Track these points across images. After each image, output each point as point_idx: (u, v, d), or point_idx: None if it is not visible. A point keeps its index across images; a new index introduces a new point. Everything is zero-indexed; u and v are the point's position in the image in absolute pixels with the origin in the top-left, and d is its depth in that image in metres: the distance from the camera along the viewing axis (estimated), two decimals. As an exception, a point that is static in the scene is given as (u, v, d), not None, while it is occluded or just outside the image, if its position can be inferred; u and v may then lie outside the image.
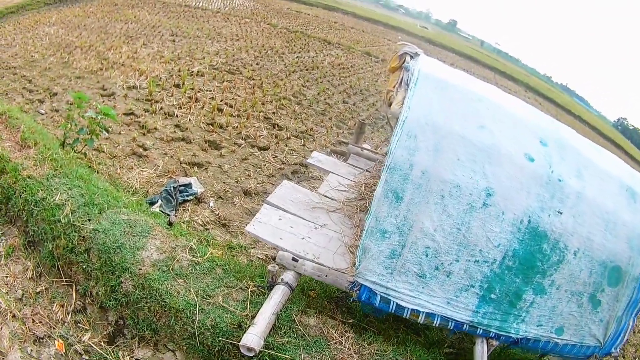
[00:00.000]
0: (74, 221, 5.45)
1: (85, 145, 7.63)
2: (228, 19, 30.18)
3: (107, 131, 8.74)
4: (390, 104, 5.42)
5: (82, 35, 18.49)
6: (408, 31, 60.04)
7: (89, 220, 5.48)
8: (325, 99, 16.40)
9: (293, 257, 4.91)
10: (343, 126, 14.02)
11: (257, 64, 19.14)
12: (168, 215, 7.12)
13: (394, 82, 5.59)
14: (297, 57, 22.75)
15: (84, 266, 5.25)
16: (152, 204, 7.34)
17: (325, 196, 6.36)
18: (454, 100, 4.85)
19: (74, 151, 7.64)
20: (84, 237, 5.34)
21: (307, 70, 20.37)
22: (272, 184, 9.20)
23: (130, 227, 5.46)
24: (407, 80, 5.07)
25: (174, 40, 20.19)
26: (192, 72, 15.51)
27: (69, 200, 5.72)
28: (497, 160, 4.45)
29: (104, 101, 11.55)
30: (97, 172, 7.87)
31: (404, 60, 5.65)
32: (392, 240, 4.52)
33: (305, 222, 5.70)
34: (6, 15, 20.76)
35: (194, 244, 5.45)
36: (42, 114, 10.35)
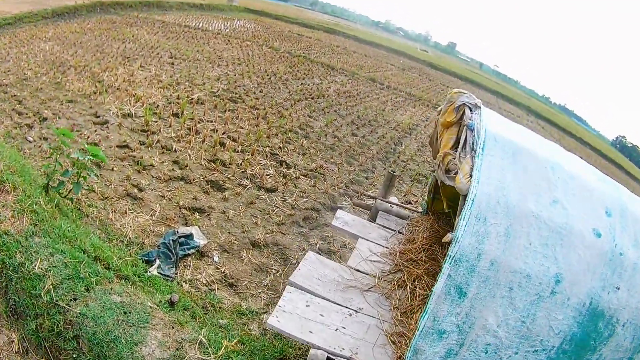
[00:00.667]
0: (57, 299, 4.49)
1: (72, 190, 6.61)
2: (229, 41, 29.64)
3: (99, 167, 7.88)
4: (447, 170, 4.51)
5: (77, 53, 17.75)
6: (410, 55, 61.34)
7: (75, 299, 4.52)
8: (333, 132, 15.54)
9: (328, 357, 4.00)
10: (354, 162, 13.14)
11: (260, 91, 18.31)
12: (168, 277, 6.18)
13: (450, 141, 4.70)
14: (301, 84, 22.01)
15: (74, 355, 4.31)
16: (148, 261, 6.41)
17: (357, 270, 5.40)
18: (527, 170, 4.04)
19: (60, 195, 6.67)
20: (70, 321, 4.38)
21: (312, 98, 19.56)
22: (282, 233, 8.30)
23: (125, 313, 4.49)
24: (472, 143, 4.16)
25: (172, 63, 19.43)
26: (192, 99, 14.61)
27: (50, 270, 4.75)
28: (568, 241, 3.79)
29: (96, 130, 10.66)
30: (87, 216, 7.04)
31: (462, 113, 4.74)
32: (449, 340, 3.77)
33: (337, 307, 4.74)
34: (3, 26, 20.28)
35: (204, 336, 4.48)
36: (30, 142, 9.45)
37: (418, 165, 15.23)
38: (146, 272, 6.01)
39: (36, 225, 5.42)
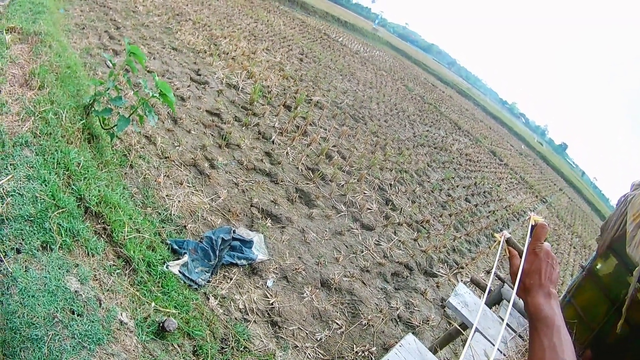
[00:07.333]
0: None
1: (115, 125, 4.69)
2: (365, 64, 28.47)
3: (175, 123, 6.06)
4: None
5: (202, 11, 16.72)
6: (527, 142, 63.20)
7: (16, 251, 2.73)
8: (448, 189, 13.69)
9: None
10: (461, 229, 11.11)
11: (385, 121, 16.77)
12: (192, 283, 4.24)
13: None
14: (427, 130, 20.50)
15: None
16: (175, 251, 4.52)
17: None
18: None
19: (102, 125, 4.95)
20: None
21: (435, 148, 18.02)
22: (363, 281, 6.29)
23: (72, 312, 2.61)
24: None
25: (301, 60, 18.13)
26: (311, 99, 12.97)
27: (10, 196, 3.02)
28: None
29: (190, 86, 9.09)
30: (131, 167, 5.48)
31: None
32: None
33: None
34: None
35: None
36: (108, 67, 7.65)
37: (519, 255, 13.03)
38: (164, 263, 4.11)
39: (37, 137, 3.72)
